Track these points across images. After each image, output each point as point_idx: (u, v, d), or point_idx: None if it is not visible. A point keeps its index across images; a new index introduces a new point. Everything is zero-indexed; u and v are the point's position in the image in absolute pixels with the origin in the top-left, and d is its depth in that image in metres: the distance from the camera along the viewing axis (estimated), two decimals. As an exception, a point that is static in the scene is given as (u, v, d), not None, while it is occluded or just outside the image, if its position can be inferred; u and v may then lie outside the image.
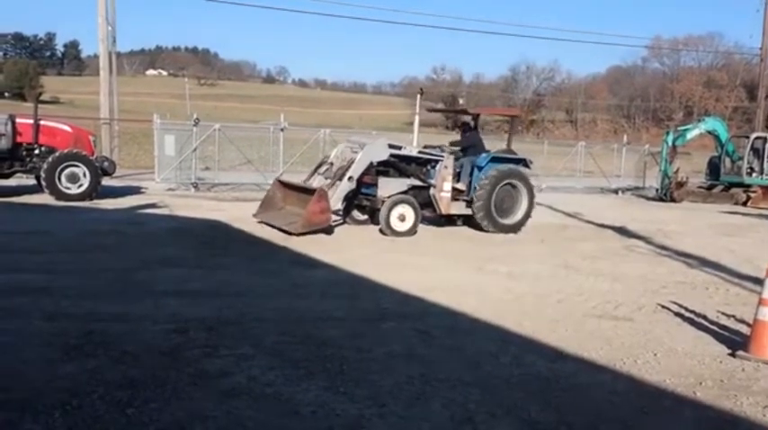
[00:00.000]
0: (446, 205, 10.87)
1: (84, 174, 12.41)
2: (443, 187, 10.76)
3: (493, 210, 10.99)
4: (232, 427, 3.48)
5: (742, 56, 54.54)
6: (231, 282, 6.67)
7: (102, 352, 4.45)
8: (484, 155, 11.25)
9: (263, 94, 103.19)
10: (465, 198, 11.10)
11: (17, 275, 6.52)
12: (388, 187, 10.38)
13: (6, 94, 66.48)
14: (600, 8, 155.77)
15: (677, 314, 6.31)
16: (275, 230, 9.66)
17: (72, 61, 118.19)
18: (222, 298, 6.02)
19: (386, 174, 10.54)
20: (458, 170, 11.13)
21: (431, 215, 11.19)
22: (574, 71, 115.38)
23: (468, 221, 11.34)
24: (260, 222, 10.24)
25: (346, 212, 11.07)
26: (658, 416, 3.97)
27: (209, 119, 19.04)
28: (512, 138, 12.33)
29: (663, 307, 6.55)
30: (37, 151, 12.76)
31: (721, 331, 5.77)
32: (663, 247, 10.49)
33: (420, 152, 10.87)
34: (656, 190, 20.02)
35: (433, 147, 11.36)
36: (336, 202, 9.95)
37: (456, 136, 13.45)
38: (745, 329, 5.64)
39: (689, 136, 20.01)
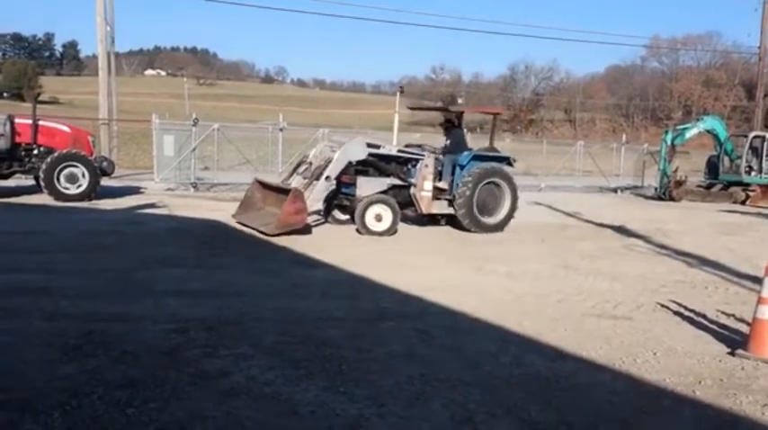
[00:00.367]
0: (427, 204, 10.76)
1: (83, 175, 12.40)
2: (424, 186, 10.64)
3: (475, 209, 10.85)
4: (231, 427, 3.48)
5: (740, 55, 54.64)
6: (231, 282, 6.67)
7: (101, 352, 4.45)
8: (466, 153, 11.10)
9: (262, 93, 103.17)
10: (447, 197, 10.97)
11: (17, 275, 6.52)
12: (368, 187, 10.30)
13: (5, 95, 66.43)
14: (598, 8, 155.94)
15: (676, 313, 6.31)
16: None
17: (71, 61, 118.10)
18: (222, 298, 6.02)
19: (365, 173, 10.47)
20: (440, 169, 11.00)
21: (413, 215, 11.09)
22: (572, 70, 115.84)
23: (452, 221, 11.20)
24: (238, 223, 10.15)
25: (327, 212, 11.02)
26: (658, 416, 3.97)
27: (207, 119, 19.04)
28: (494, 136, 12.14)
29: (662, 306, 6.56)
30: (36, 151, 12.75)
31: (721, 330, 5.78)
32: (662, 246, 10.49)
33: (400, 151, 10.79)
34: (655, 189, 20.03)
35: (415, 146, 11.27)
36: (314, 202, 9.87)
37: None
38: (744, 328, 5.64)
39: (688, 135, 20.00)
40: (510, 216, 11.34)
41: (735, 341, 5.37)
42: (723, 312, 6.37)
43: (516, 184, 11.49)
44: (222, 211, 11.77)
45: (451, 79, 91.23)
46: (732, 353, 5.08)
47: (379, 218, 10.10)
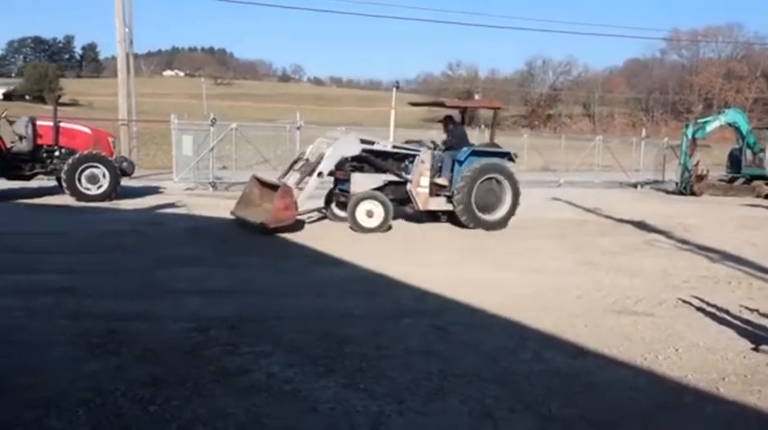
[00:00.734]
0: (424, 201, 10.57)
1: (104, 175, 12.54)
2: (420, 182, 10.47)
3: (473, 205, 10.59)
4: (251, 424, 3.51)
5: (762, 46, 53.86)
6: (250, 281, 6.72)
7: (124, 350, 4.51)
8: (465, 148, 10.87)
9: (279, 92, 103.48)
10: (446, 193, 10.76)
11: (40, 276, 6.62)
12: (362, 183, 10.23)
13: (27, 97, 67.44)
14: (617, 1, 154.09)
15: (699, 309, 6.23)
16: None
17: (90, 63, 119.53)
18: (241, 296, 6.07)
19: (361, 169, 10.41)
20: (439, 165, 10.86)
21: (412, 212, 10.91)
22: (591, 64, 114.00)
23: (452, 218, 10.97)
24: (235, 219, 10.17)
25: (327, 208, 11.04)
26: (680, 412, 3.93)
27: (225, 118, 19.14)
28: (495, 130, 11.94)
29: (684, 301, 6.48)
30: (57, 153, 12.92)
31: (744, 325, 5.69)
32: (683, 242, 10.36)
33: (395, 147, 10.69)
34: (676, 183, 19.76)
35: (414, 143, 11.17)
36: (305, 198, 9.83)
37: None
38: (768, 323, 5.56)
39: (709, 128, 19.71)
40: (511, 213, 11.00)
41: (759, 337, 5.30)
42: (746, 307, 6.28)
43: (517, 180, 11.12)
44: (241, 210, 11.85)
45: (468, 75, 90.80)
46: (756, 349, 5.01)
47: (370, 214, 9.96)
